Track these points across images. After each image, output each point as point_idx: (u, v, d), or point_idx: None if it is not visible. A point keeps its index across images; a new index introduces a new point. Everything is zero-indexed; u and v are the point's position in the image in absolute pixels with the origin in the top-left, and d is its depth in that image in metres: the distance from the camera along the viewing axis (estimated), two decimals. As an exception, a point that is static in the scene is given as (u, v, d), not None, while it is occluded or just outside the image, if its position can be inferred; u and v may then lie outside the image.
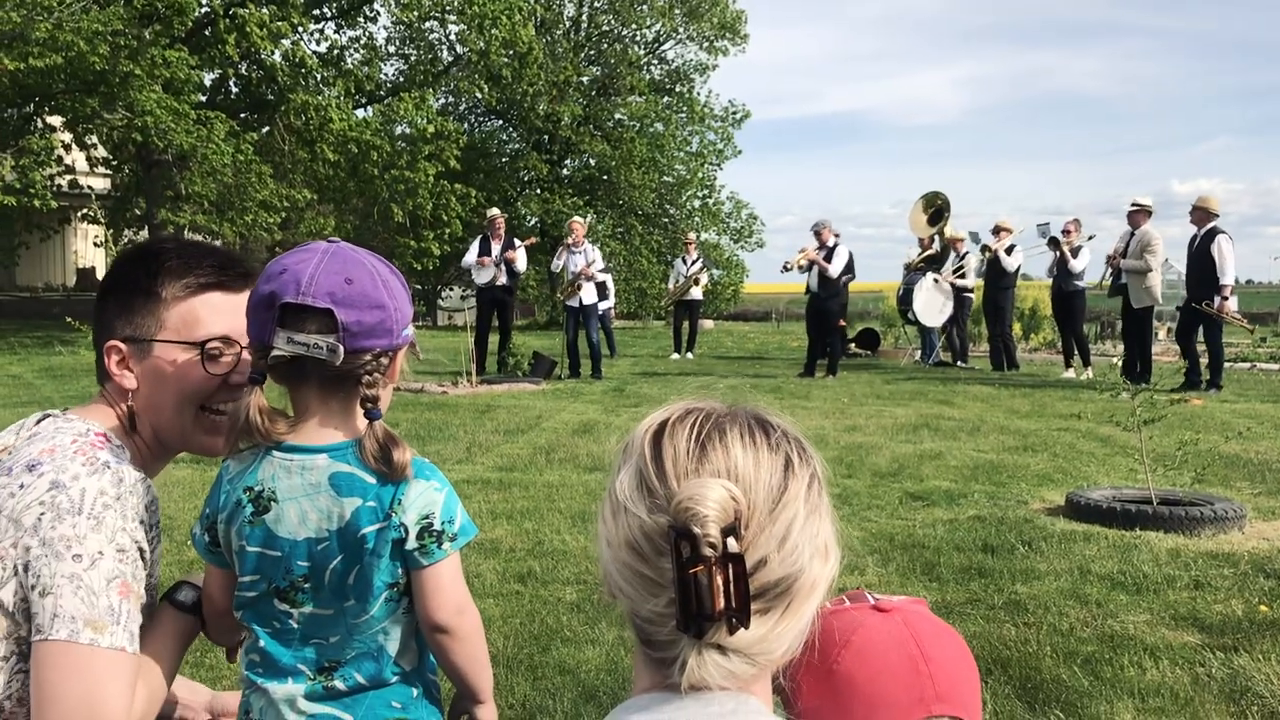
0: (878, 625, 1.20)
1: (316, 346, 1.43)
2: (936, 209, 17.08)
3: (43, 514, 1.39)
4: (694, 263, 17.89)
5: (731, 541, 0.87)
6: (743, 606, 0.87)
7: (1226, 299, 11.28)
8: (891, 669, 1.16)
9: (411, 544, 1.48)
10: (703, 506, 0.87)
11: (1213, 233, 11.39)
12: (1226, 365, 14.89)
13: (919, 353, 16.38)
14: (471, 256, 13.85)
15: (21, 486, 1.42)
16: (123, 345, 1.58)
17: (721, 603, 0.86)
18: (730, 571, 0.86)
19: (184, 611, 1.61)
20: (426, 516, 1.48)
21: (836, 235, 17.06)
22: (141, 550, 1.47)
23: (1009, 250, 14.56)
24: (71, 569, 1.37)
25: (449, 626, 1.51)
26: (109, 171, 24.01)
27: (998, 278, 14.63)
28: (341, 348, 1.44)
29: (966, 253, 15.84)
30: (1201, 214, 11.54)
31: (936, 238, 16.64)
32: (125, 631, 1.39)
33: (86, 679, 1.34)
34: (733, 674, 0.90)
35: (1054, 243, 13.33)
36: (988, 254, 14.65)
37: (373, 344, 1.47)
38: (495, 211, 14.39)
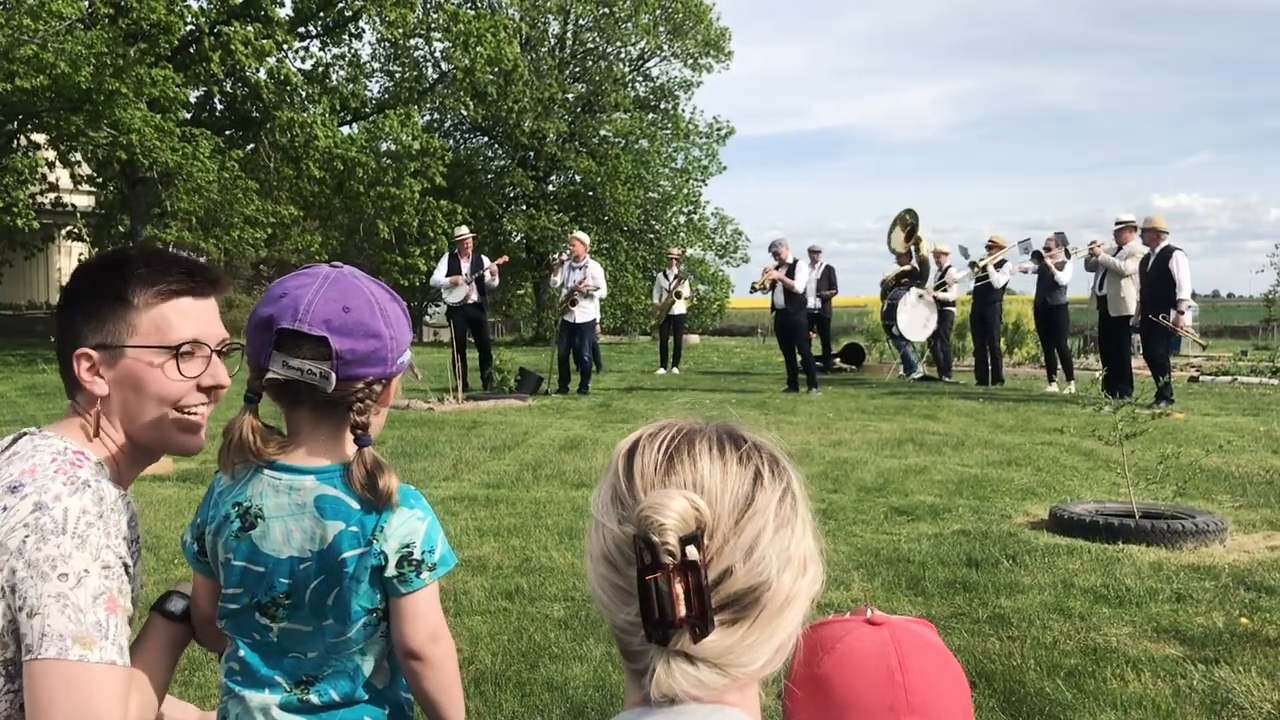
0: (864, 635, 1.23)
1: (310, 372, 1.46)
2: (910, 227, 17.24)
3: (27, 536, 1.41)
4: (674, 276, 17.96)
5: (691, 549, 0.89)
6: (703, 613, 0.89)
7: (1182, 313, 11.43)
8: (867, 675, 1.19)
9: (391, 571, 1.50)
10: (661, 515, 0.89)
11: (1169, 250, 11.54)
12: (1207, 379, 15.03)
13: (902, 368, 16.46)
14: (440, 275, 13.91)
15: (4, 509, 1.43)
16: (93, 352, 1.58)
17: (683, 610, 0.89)
18: (689, 579, 0.89)
19: (174, 621, 1.63)
20: (407, 545, 1.51)
21: (817, 251, 17.22)
22: (126, 565, 1.49)
23: (998, 265, 14.66)
24: (57, 588, 1.39)
25: (422, 654, 1.53)
26: (93, 189, 23.98)
27: (986, 292, 14.72)
28: (334, 375, 1.46)
29: (948, 266, 15.93)
30: (1152, 234, 11.69)
31: (913, 252, 16.71)
32: (114, 645, 1.41)
33: (78, 695, 1.36)
34: (702, 683, 0.92)
35: (1037, 256, 13.45)
36: (976, 269, 14.72)
37: (366, 372, 1.50)
38: (463, 230, 14.46)
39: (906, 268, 16.51)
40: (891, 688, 1.18)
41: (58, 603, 1.38)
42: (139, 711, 1.46)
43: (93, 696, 1.36)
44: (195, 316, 1.63)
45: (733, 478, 0.96)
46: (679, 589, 0.89)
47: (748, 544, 0.94)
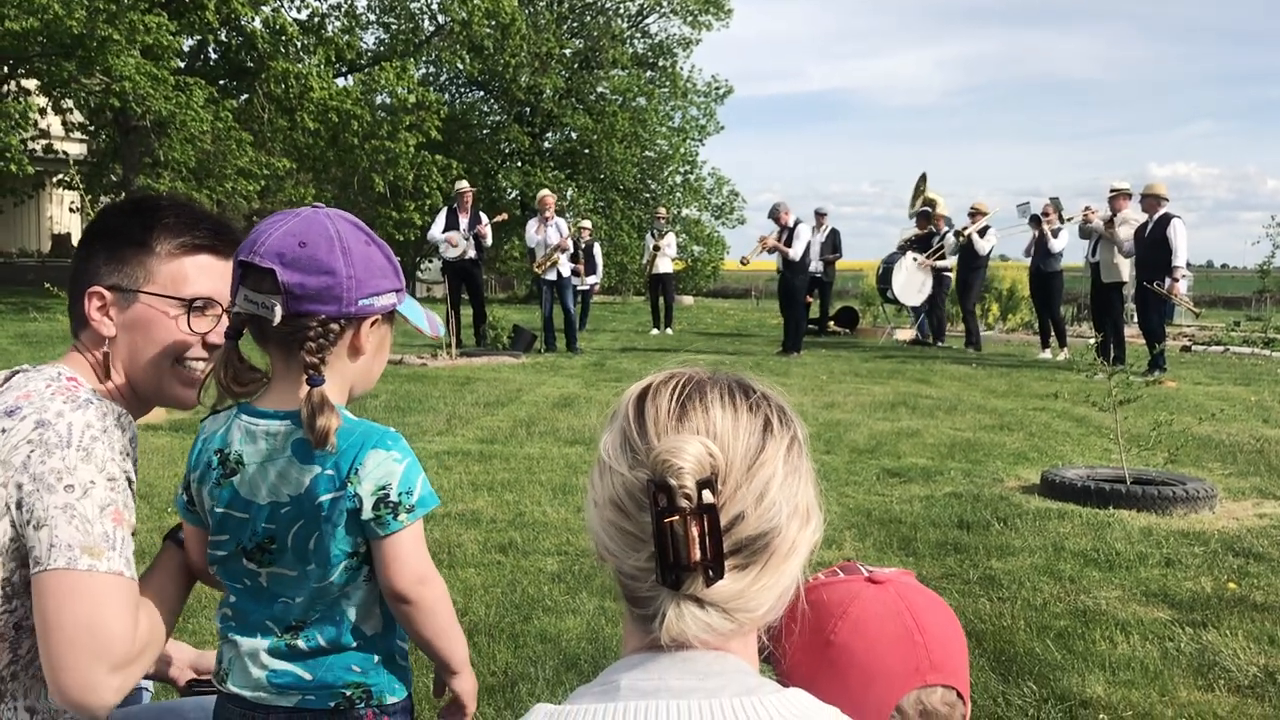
0: (873, 597, 1.22)
1: (263, 306, 1.46)
2: (920, 191, 17.17)
3: (31, 451, 1.42)
4: (657, 231, 17.92)
5: (707, 494, 0.90)
6: (716, 556, 0.90)
7: (1177, 281, 11.39)
8: (887, 640, 1.19)
9: (367, 514, 1.48)
10: (679, 459, 0.90)
11: (1166, 217, 11.46)
12: (1200, 349, 15.07)
13: (899, 331, 16.42)
14: (437, 230, 13.80)
15: (3, 431, 1.44)
16: (106, 292, 1.60)
17: (697, 553, 0.89)
18: (705, 522, 0.89)
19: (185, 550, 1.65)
20: (383, 487, 1.49)
21: (823, 214, 17.11)
22: (129, 480, 1.50)
23: (982, 232, 14.63)
24: (64, 500, 1.40)
25: (410, 596, 1.51)
26: (85, 137, 23.75)
27: (970, 259, 14.75)
28: (279, 309, 1.45)
29: (946, 231, 15.89)
30: (1152, 201, 11.61)
31: (929, 212, 16.51)
32: (121, 557, 1.42)
33: (87, 603, 1.37)
34: (710, 627, 0.93)
35: (1035, 221, 13.43)
36: (960, 238, 14.69)
37: (316, 309, 1.47)
38: (464, 184, 14.32)
39: (924, 231, 16.38)
40: (914, 648, 1.18)
41: (65, 514, 1.39)
42: (148, 632, 1.47)
43: (102, 605, 1.37)
44: (213, 274, 1.64)
45: (744, 425, 0.96)
46: (695, 532, 0.89)
47: (759, 490, 0.94)
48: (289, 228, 1.48)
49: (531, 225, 13.93)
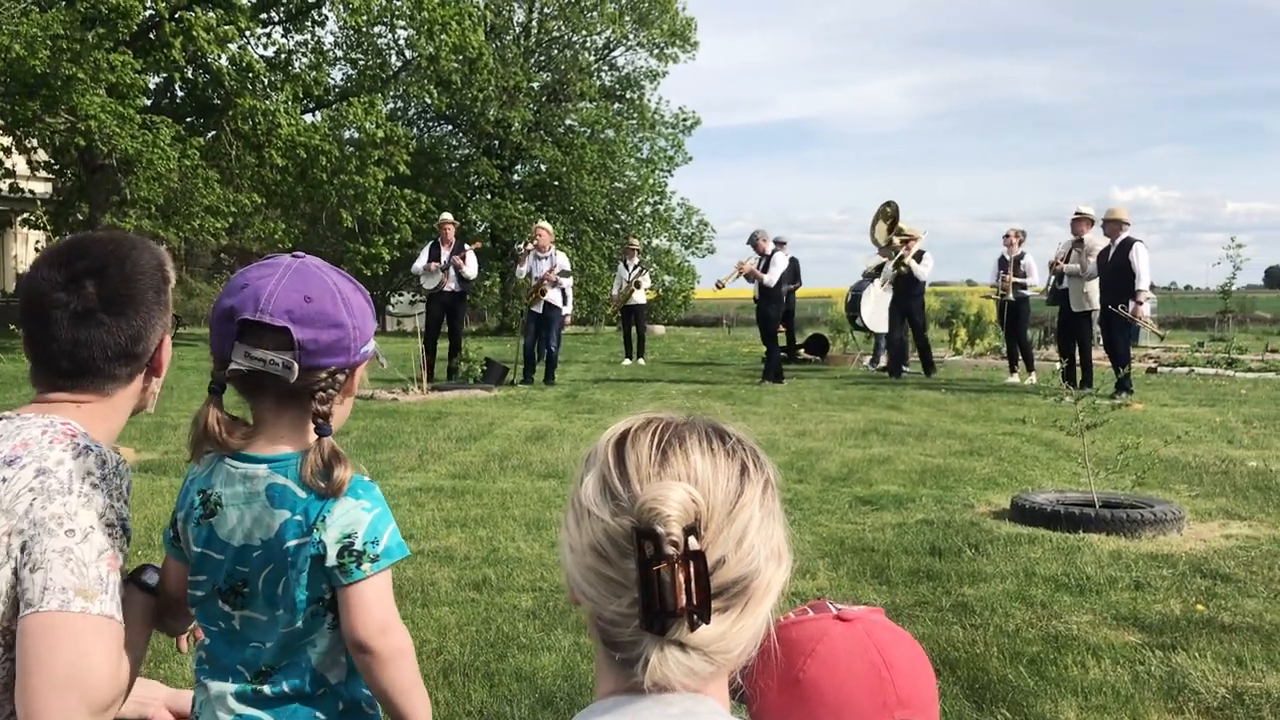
0: (841, 634, 1.24)
1: (272, 363, 1.47)
2: (891, 219, 17.27)
3: (34, 499, 1.43)
4: (635, 267, 17.95)
5: (693, 540, 0.91)
6: (704, 602, 0.91)
7: (1141, 304, 11.54)
8: (855, 676, 1.21)
9: (331, 562, 1.49)
10: (666, 507, 0.91)
11: (1129, 241, 11.61)
12: (1165, 370, 15.25)
13: (868, 358, 16.49)
14: (421, 263, 13.81)
15: (4, 480, 1.45)
16: (167, 336, 1.66)
17: (684, 599, 0.90)
18: (692, 569, 0.90)
19: (148, 593, 1.65)
20: (348, 536, 1.50)
21: (782, 243, 17.20)
22: (125, 527, 1.51)
23: (918, 257, 14.67)
24: (63, 544, 1.41)
25: (370, 646, 1.51)
26: (51, 175, 23.61)
27: (910, 285, 14.60)
28: (297, 365, 1.47)
29: (886, 260, 15.97)
30: (1114, 225, 11.76)
31: (896, 240, 16.57)
32: (113, 601, 1.43)
33: (76, 645, 1.37)
34: (693, 671, 0.94)
35: (1003, 263, 13.61)
36: (902, 268, 14.62)
37: (329, 362, 1.50)
38: (446, 216, 14.34)
39: (887, 260, 16.43)
40: (881, 684, 1.20)
41: (61, 557, 1.41)
42: (126, 672, 1.47)
43: (89, 648, 1.38)
44: None
45: (723, 470, 0.98)
46: (681, 579, 0.90)
47: (738, 534, 0.96)
48: (288, 283, 1.49)
49: (522, 257, 14.05)
